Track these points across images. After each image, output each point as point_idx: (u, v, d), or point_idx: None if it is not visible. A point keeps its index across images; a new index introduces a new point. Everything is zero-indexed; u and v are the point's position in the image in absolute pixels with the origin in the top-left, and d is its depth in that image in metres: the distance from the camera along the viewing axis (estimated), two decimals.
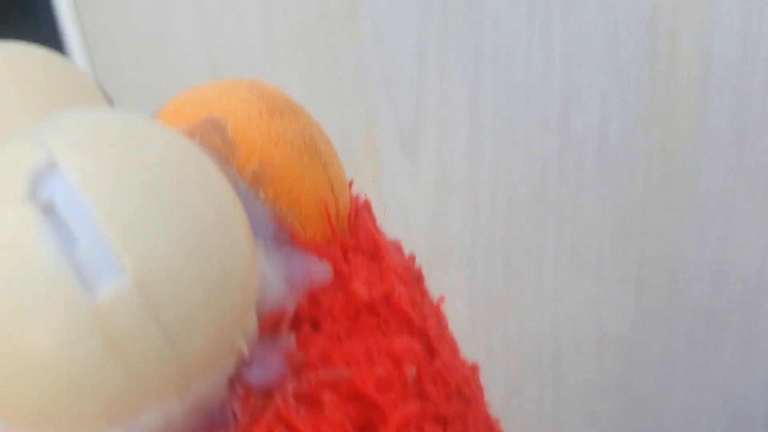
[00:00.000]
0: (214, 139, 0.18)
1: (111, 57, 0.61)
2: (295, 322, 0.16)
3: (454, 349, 0.21)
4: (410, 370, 0.17)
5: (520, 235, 0.45)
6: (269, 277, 0.16)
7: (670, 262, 0.41)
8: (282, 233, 0.17)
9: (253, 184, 0.18)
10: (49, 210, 0.13)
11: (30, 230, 0.12)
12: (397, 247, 0.22)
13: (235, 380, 0.15)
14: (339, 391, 0.16)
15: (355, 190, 0.48)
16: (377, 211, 0.22)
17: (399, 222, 0.50)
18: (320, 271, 0.17)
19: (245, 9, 0.50)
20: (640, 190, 0.40)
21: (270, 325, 0.16)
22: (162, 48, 0.57)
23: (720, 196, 0.38)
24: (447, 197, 0.47)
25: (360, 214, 0.21)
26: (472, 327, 0.51)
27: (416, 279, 0.21)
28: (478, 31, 0.40)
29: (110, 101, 0.20)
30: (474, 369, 0.21)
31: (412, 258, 0.22)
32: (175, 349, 0.13)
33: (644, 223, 0.41)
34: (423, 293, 0.21)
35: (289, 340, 0.16)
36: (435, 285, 0.51)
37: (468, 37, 0.41)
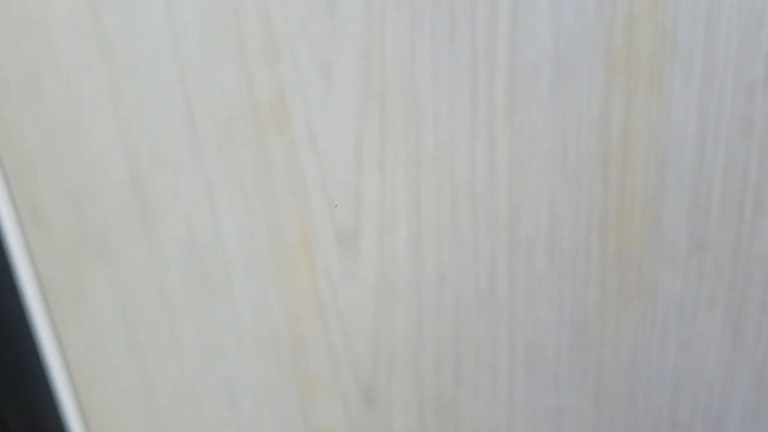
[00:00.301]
0: None
1: (19, 146, 0.56)
2: None
3: None
4: None
5: (469, 341, 0.42)
6: None
7: (630, 369, 0.39)
8: None
9: None
10: None
11: None
12: None
13: None
14: None
15: (293, 290, 0.44)
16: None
17: (338, 326, 0.47)
18: None
19: (165, 101, 0.46)
20: (596, 295, 0.37)
21: None
22: (75, 139, 0.52)
23: (680, 303, 0.36)
24: (390, 300, 0.44)
25: None
26: None
27: None
28: (419, 130, 0.38)
29: None
30: None
31: None
32: None
33: (602, 330, 0.38)
34: None
35: None
36: (381, 394, 0.48)
37: (408, 135, 0.38)
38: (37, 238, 0.61)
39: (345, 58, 0.38)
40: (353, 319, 0.46)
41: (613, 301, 0.37)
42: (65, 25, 0.48)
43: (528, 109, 0.34)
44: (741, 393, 0.40)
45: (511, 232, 0.38)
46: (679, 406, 0.39)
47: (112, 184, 0.52)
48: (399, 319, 0.44)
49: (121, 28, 0.45)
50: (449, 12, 0.34)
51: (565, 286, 0.38)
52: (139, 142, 0.49)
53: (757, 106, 0.34)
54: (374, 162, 0.40)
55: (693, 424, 0.40)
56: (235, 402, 0.57)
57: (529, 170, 0.36)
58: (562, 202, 0.36)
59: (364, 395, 0.48)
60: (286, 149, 0.43)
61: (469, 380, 0.43)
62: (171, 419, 0.62)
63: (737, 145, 0.34)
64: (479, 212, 0.38)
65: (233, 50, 0.42)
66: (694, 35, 0.33)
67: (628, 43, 0.33)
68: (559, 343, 0.39)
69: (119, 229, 0.54)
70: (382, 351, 0.46)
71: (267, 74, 0.41)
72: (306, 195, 0.44)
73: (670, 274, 0.35)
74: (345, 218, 0.43)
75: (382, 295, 0.44)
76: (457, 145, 0.37)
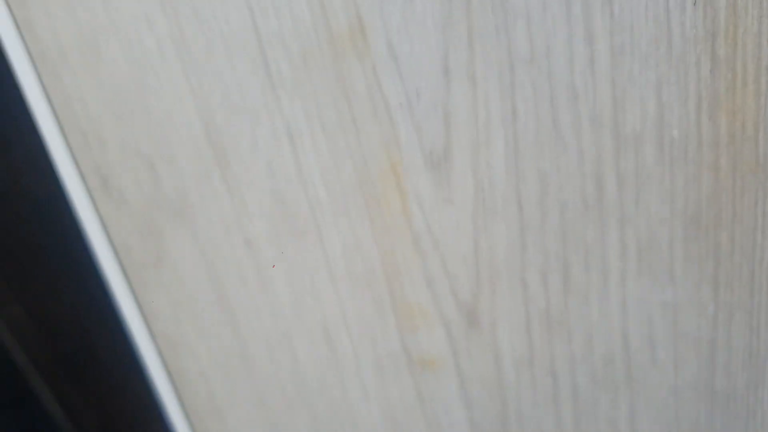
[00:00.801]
0: None
1: (82, 117, 0.55)
2: None
3: None
4: None
5: (577, 248, 0.41)
6: None
7: (750, 251, 0.38)
8: None
9: None
10: None
11: None
12: None
13: None
14: None
15: (385, 222, 0.44)
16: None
17: (435, 253, 0.46)
18: None
19: (235, 45, 0.45)
20: (710, 180, 0.36)
21: None
22: (143, 100, 0.52)
23: None
24: (489, 219, 0.43)
25: None
26: (532, 353, 0.47)
27: None
28: (511, 34, 0.37)
29: None
30: None
31: None
32: None
33: (717, 215, 0.37)
34: None
35: None
36: (484, 315, 0.47)
37: (499, 40, 0.37)
38: (110, 208, 0.61)
39: None
40: (450, 243, 0.46)
41: (728, 183, 0.36)
42: None
43: None
44: None
45: (616, 128, 0.37)
46: None
47: (187, 140, 0.52)
48: (500, 237, 0.43)
49: None
50: None
51: (677, 175, 0.37)
52: (211, 93, 0.48)
53: None
54: (463, 74, 0.39)
55: None
56: (332, 341, 0.57)
57: (632, 59, 0.35)
58: (668, 87, 0.35)
59: (466, 318, 0.48)
60: (367, 75, 0.42)
61: (578, 288, 0.43)
62: (265, 371, 0.63)
63: None
64: (581, 111, 0.37)
65: None
66: None
67: None
68: (672, 236, 0.39)
69: (198, 186, 0.54)
70: (483, 272, 0.45)
71: None
72: (391, 121, 0.43)
73: None
74: (434, 139, 0.42)
75: (480, 215, 0.43)
76: (552, 44, 0.36)
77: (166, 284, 0.63)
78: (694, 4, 0.32)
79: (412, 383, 0.55)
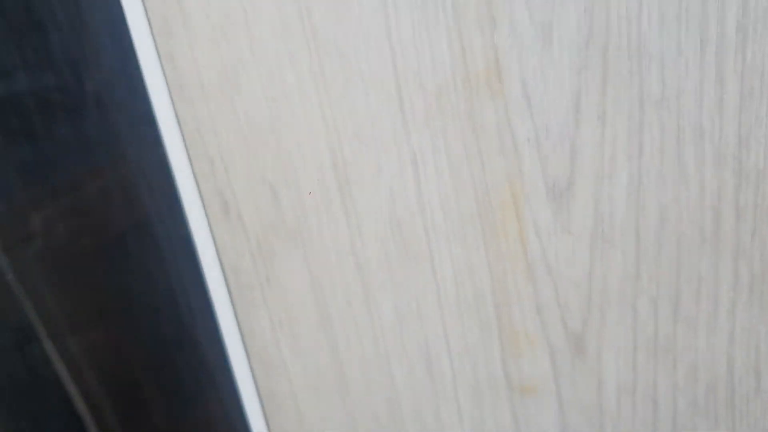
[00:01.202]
0: None
1: (212, 145, 0.60)
2: None
3: None
4: None
5: (690, 278, 0.44)
6: None
7: None
8: None
9: None
10: None
11: None
12: None
13: None
14: None
15: (499, 248, 0.48)
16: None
17: (547, 281, 0.50)
18: None
19: (373, 82, 0.50)
20: None
21: None
22: (275, 131, 0.56)
23: None
24: (605, 249, 0.46)
25: None
26: (635, 380, 0.49)
27: None
28: (644, 76, 0.41)
29: None
30: None
31: None
32: None
33: None
34: None
35: None
36: (591, 343, 0.50)
37: (632, 83, 0.41)
38: (225, 231, 0.65)
39: (566, 18, 0.41)
40: (564, 271, 0.49)
41: None
42: (269, 21, 0.52)
43: (760, 42, 0.37)
44: None
45: (738, 164, 0.40)
46: None
47: (313, 169, 0.56)
48: (614, 266, 0.47)
49: (330, 17, 0.50)
50: None
51: None
52: (343, 126, 0.53)
53: None
54: (593, 113, 0.43)
55: None
56: (431, 365, 0.60)
57: (760, 102, 0.38)
58: None
59: (573, 346, 0.51)
60: (498, 112, 0.46)
61: (688, 317, 0.46)
62: (359, 394, 0.66)
63: None
64: (706, 148, 0.41)
65: (446, 24, 0.46)
66: None
67: None
68: None
69: (317, 211, 0.58)
70: (594, 300, 0.48)
71: (481, 43, 0.45)
72: (516, 154, 0.47)
73: None
74: (558, 172, 0.46)
75: (597, 245, 0.47)
76: (684, 86, 0.40)
77: (270, 305, 0.67)
78: None
79: (509, 409, 0.57)
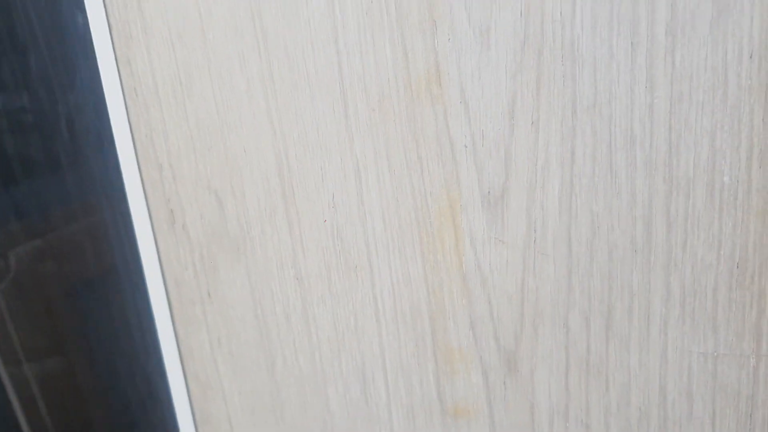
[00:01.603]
0: None
1: (162, 150, 0.60)
2: None
3: None
4: None
5: (622, 291, 0.43)
6: None
7: None
8: None
9: None
10: None
11: None
12: None
13: None
14: None
15: (436, 259, 0.47)
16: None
17: (482, 293, 0.48)
18: None
19: (319, 87, 0.50)
20: (758, 226, 0.39)
21: None
22: (223, 136, 0.56)
23: None
24: (538, 259, 0.45)
25: None
26: (568, 402, 0.48)
27: None
28: (577, 80, 0.41)
29: None
30: None
31: None
32: None
33: (763, 263, 0.39)
34: None
35: None
36: (524, 360, 0.49)
37: (565, 86, 0.41)
38: (170, 242, 0.64)
39: (504, 21, 0.42)
40: (498, 283, 0.48)
41: None
42: (223, 25, 0.53)
43: (688, 46, 0.37)
44: None
45: (669, 172, 0.40)
46: None
47: (258, 176, 0.56)
48: (547, 277, 0.46)
49: (280, 22, 0.50)
50: None
51: (725, 221, 0.39)
52: (289, 131, 0.53)
53: None
54: (527, 118, 0.43)
55: None
56: (366, 386, 0.58)
57: (689, 106, 0.38)
58: (722, 135, 0.38)
59: (505, 364, 0.50)
60: (437, 118, 0.46)
61: (620, 333, 0.44)
62: (295, 418, 0.63)
63: None
64: (637, 155, 0.40)
65: (390, 28, 0.46)
66: None
67: None
68: (717, 282, 0.41)
69: (260, 221, 0.57)
70: (527, 314, 0.47)
71: (423, 47, 0.45)
72: (454, 161, 0.47)
73: None
74: (493, 179, 0.45)
75: (530, 255, 0.46)
76: (615, 91, 0.40)
77: (209, 322, 0.65)
78: (750, 57, 0.36)
79: None
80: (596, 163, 0.42)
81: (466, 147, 0.46)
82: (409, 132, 0.48)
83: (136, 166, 0.63)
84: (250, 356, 0.64)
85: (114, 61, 0.61)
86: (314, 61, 0.50)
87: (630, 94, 0.39)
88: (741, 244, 0.39)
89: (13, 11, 0.72)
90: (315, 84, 0.51)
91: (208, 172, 0.59)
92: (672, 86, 0.38)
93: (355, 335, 0.56)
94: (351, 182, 0.52)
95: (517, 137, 0.44)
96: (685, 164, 0.39)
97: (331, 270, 0.55)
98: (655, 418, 0.45)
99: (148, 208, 0.64)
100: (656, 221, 0.41)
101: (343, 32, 0.48)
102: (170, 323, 0.68)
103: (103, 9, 0.60)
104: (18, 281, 0.76)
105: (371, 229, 0.52)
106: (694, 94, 0.38)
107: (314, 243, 0.55)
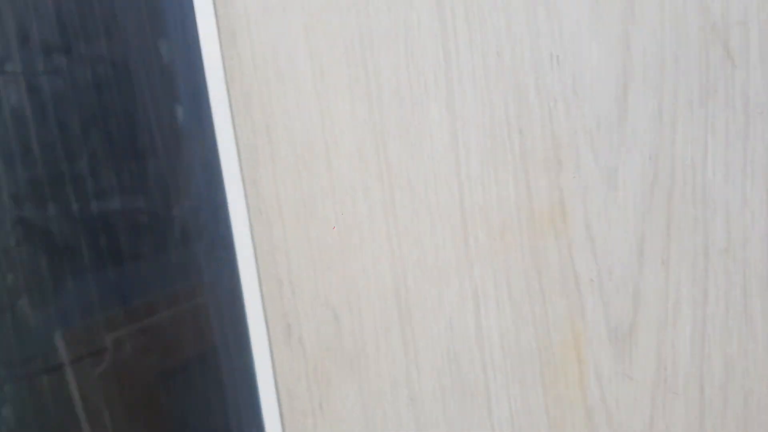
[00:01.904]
0: None
1: (282, 267, 0.63)
2: None
3: None
4: None
5: None
6: None
7: None
8: None
9: None
10: None
11: None
12: None
13: None
14: None
15: (558, 391, 0.46)
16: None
17: (608, 427, 0.48)
18: None
19: (440, 215, 0.52)
20: None
21: None
22: (343, 256, 0.58)
23: None
24: (668, 398, 0.45)
25: None
26: None
27: None
28: (709, 224, 0.41)
29: None
30: None
31: None
32: None
33: None
34: None
35: None
36: None
37: (696, 230, 0.41)
38: (285, 355, 0.66)
39: (631, 163, 0.43)
40: (624, 421, 0.47)
41: None
42: (348, 155, 0.56)
43: None
44: None
45: None
46: None
47: (375, 296, 0.57)
48: (678, 418, 0.45)
49: (405, 154, 0.53)
50: (743, 112, 0.39)
51: None
52: (408, 255, 0.55)
53: None
54: (657, 258, 0.43)
55: None
56: None
57: None
58: None
59: None
60: (561, 251, 0.47)
61: None
62: None
63: None
64: None
65: (514, 164, 0.48)
66: None
67: None
68: None
69: (376, 339, 0.59)
70: None
71: (546, 183, 0.47)
72: (579, 294, 0.47)
73: None
74: (621, 315, 0.45)
75: (659, 394, 0.45)
76: (750, 236, 0.40)
77: None
78: None
79: None
80: (730, 306, 0.41)
81: (592, 281, 0.46)
82: (532, 263, 0.49)
83: (257, 280, 0.66)
84: None
85: (240, 181, 0.65)
86: (436, 190, 0.52)
87: (766, 240, 0.39)
88: None
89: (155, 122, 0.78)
90: (436, 212, 0.52)
91: (326, 289, 0.61)
92: None
93: None
94: (469, 307, 0.53)
95: (647, 275, 0.44)
96: None
97: (446, 393, 0.56)
98: None
99: (266, 320, 0.67)
100: None
101: (466, 165, 0.50)
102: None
103: (232, 134, 0.64)
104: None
105: (489, 355, 0.52)
106: None
107: (429, 364, 0.56)
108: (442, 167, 0.51)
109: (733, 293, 0.41)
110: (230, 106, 0.65)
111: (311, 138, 0.58)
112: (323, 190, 0.58)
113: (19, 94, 0.76)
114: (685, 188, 0.41)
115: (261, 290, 0.67)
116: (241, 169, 0.65)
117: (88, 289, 0.79)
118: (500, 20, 0.48)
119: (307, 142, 0.58)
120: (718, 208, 0.40)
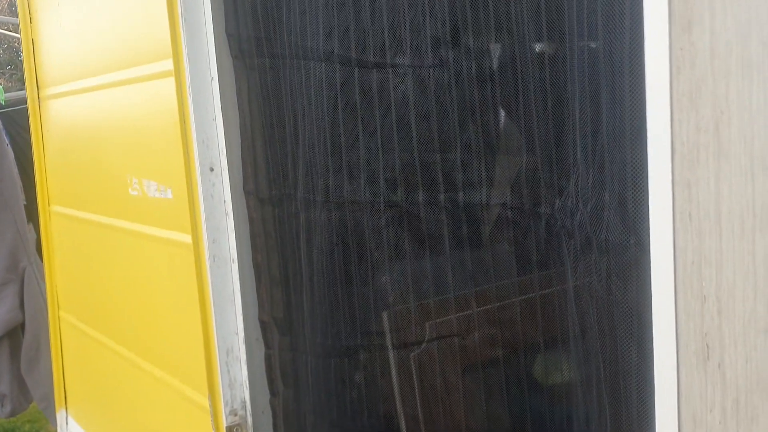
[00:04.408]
0: None
1: (710, 284, 0.56)
2: None
3: None
4: None
5: None
6: None
7: None
8: None
9: None
10: None
11: None
12: None
13: None
14: None
15: None
16: None
17: None
18: None
19: None
20: None
21: None
22: None
23: None
24: None
25: None
26: None
27: None
28: None
29: None
30: None
31: None
32: None
33: None
34: None
35: None
36: None
37: None
38: (697, 376, 0.59)
39: None
40: None
41: None
42: None
43: None
44: None
45: None
46: None
47: None
48: None
49: None
50: None
51: None
52: None
53: None
54: None
55: None
56: None
57: None
58: None
59: None
60: None
61: None
62: None
63: None
64: None
65: None
66: None
67: None
68: None
69: None
70: None
71: None
72: None
73: None
74: None
75: None
76: None
77: None
78: None
79: None
80: None
81: None
82: None
83: (672, 292, 0.61)
84: None
85: (670, 182, 0.60)
86: None
87: None
88: None
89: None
90: None
91: (767, 313, 0.53)
92: None
93: None
94: None
95: None
96: None
97: None
98: None
99: (677, 337, 0.61)
100: None
101: None
102: None
103: (667, 130, 0.59)
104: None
105: None
106: None
107: None
108: None
109: None
110: (670, 100, 0.60)
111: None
112: None
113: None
114: None
115: (676, 304, 0.61)
116: (673, 169, 0.60)
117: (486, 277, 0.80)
118: None
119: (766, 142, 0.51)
120: None
